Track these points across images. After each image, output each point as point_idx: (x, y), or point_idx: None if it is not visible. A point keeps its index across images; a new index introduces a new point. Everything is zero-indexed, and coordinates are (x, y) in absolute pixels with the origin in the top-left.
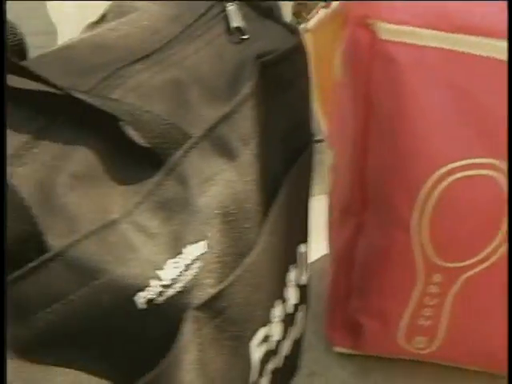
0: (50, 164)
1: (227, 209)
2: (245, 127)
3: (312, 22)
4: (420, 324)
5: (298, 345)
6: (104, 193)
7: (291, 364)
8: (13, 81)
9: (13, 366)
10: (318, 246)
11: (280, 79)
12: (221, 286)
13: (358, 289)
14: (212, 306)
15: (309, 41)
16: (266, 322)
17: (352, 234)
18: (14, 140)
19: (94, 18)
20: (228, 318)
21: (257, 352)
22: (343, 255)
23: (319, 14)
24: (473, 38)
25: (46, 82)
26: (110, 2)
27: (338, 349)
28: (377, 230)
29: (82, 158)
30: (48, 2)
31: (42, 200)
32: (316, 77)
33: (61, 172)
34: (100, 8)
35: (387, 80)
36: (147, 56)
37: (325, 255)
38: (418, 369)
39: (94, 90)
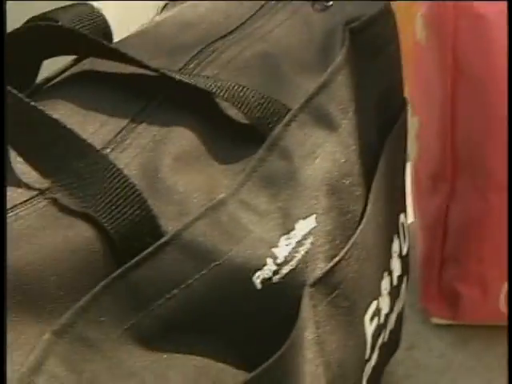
0: (151, 147)
1: (332, 181)
2: (342, 96)
3: None
4: None
5: (400, 318)
6: (208, 173)
7: (395, 338)
8: (103, 65)
9: (136, 355)
10: None
11: (369, 45)
12: (334, 261)
13: (453, 257)
14: (327, 282)
15: None
16: (377, 294)
17: (444, 200)
18: (111, 126)
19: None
20: (342, 292)
21: (370, 326)
22: (435, 223)
23: None
24: None
25: (139, 63)
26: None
27: (436, 320)
28: (471, 194)
29: (183, 139)
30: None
31: (147, 184)
32: None
33: (163, 155)
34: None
35: (475, 39)
36: (233, 31)
37: (411, 223)
38: None
39: (186, 69)
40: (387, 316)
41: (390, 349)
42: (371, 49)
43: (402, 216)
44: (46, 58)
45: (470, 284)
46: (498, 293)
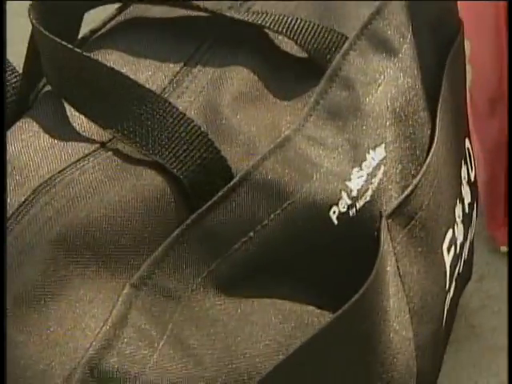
0: (209, 89)
1: (397, 108)
2: (398, 20)
3: None
4: None
5: (472, 247)
6: (270, 110)
7: (468, 269)
8: (148, 11)
9: (217, 303)
10: None
11: None
12: (408, 189)
13: None
14: (403, 212)
15: None
16: (452, 222)
17: (504, 122)
18: (165, 71)
19: None
20: (419, 222)
21: (448, 256)
22: (497, 146)
23: None
24: None
25: (187, 4)
26: None
27: (505, 248)
28: None
29: (240, 77)
30: None
31: (210, 126)
32: None
33: (222, 95)
34: None
35: None
36: None
37: None
38: None
39: (234, 8)
40: (462, 245)
41: (463, 280)
42: None
43: (467, 141)
44: (88, 9)
45: None
46: None
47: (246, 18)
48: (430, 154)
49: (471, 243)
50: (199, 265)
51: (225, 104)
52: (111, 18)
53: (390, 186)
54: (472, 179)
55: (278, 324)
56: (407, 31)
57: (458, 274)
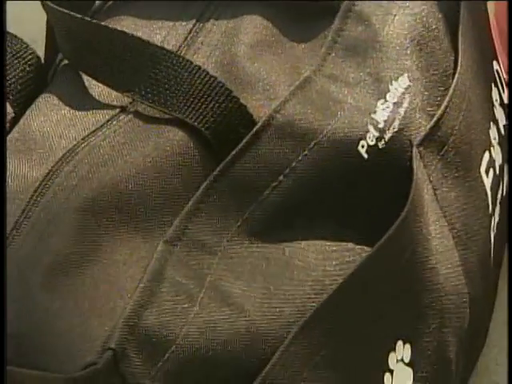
0: (224, 41)
1: (417, 36)
2: None
3: None
4: None
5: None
6: (287, 55)
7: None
8: None
9: (255, 250)
10: None
11: None
12: (437, 114)
13: None
14: (434, 138)
15: None
16: (488, 144)
17: None
18: (179, 30)
19: None
20: (452, 146)
21: (487, 178)
22: None
23: None
24: None
25: None
26: None
27: None
28: None
29: (254, 26)
30: None
31: (229, 77)
32: None
33: (237, 45)
34: None
35: None
36: None
37: None
38: None
39: None
40: (502, 167)
41: (505, 203)
42: None
43: (495, 63)
44: None
45: None
46: None
47: None
48: (455, 78)
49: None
50: (232, 215)
51: (241, 54)
52: None
53: (417, 115)
54: (505, 101)
55: (320, 264)
56: None
57: (502, 197)
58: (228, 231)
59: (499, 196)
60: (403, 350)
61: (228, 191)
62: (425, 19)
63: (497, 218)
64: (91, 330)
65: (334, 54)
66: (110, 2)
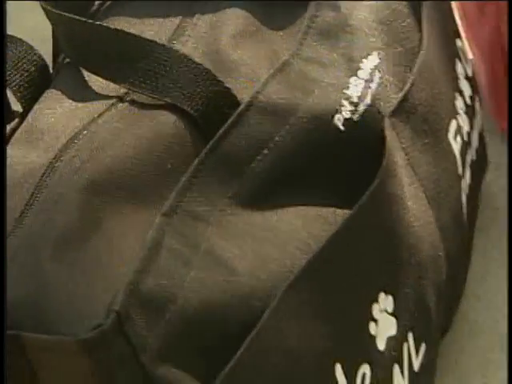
0: (209, 32)
1: (383, 18)
2: None
3: None
4: None
5: (482, 136)
6: (267, 42)
7: (482, 156)
8: None
9: (245, 217)
10: None
11: None
12: (406, 87)
13: None
14: (404, 109)
15: None
16: (454, 113)
17: (494, 20)
18: (168, 25)
19: None
20: (420, 115)
21: (456, 143)
22: (491, 46)
23: None
24: None
25: None
26: None
27: None
28: None
29: (235, 18)
30: None
31: (214, 64)
32: None
33: (221, 36)
34: None
35: None
36: None
37: None
38: None
39: None
40: (469, 134)
41: (480, 167)
42: None
43: (458, 40)
44: None
45: None
46: None
47: None
48: (420, 55)
49: (480, 133)
50: (223, 187)
51: (225, 43)
52: None
53: (387, 89)
54: (470, 74)
55: (305, 227)
56: None
57: (472, 160)
58: (219, 202)
59: (469, 160)
60: (386, 301)
61: (217, 166)
62: (390, 2)
63: (468, 180)
64: (96, 295)
65: (309, 39)
66: (107, 3)
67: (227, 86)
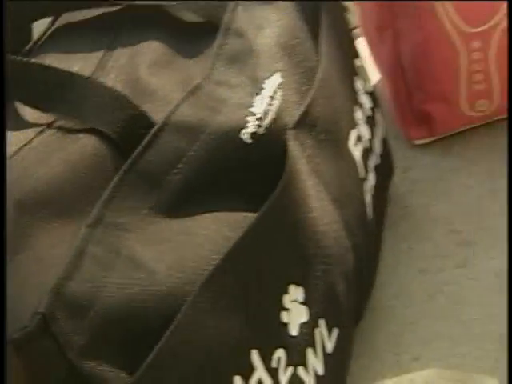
0: (129, 63)
1: (284, 42)
2: None
3: None
4: (476, 89)
5: (385, 143)
6: (181, 69)
7: (387, 161)
8: (76, 16)
9: (164, 225)
10: None
11: None
12: (306, 102)
13: (415, 84)
14: (305, 122)
15: None
16: (353, 124)
17: (392, 43)
18: (93, 59)
19: None
20: (321, 127)
21: (356, 150)
22: (393, 65)
23: None
24: None
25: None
26: None
27: (418, 142)
28: (411, 29)
29: (153, 49)
30: None
31: (133, 91)
32: None
33: (140, 66)
34: None
35: None
36: None
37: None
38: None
39: None
40: (371, 141)
41: (386, 170)
42: None
43: (356, 60)
44: (33, 21)
45: (435, 100)
46: (457, 99)
47: (151, 3)
48: (318, 73)
49: (383, 140)
50: (142, 199)
51: (143, 72)
52: (48, 28)
53: (290, 105)
54: (369, 90)
55: (218, 231)
56: None
57: (377, 164)
58: (139, 212)
59: (372, 164)
60: (296, 292)
61: (136, 181)
62: (290, 29)
63: (372, 182)
64: (25, 301)
65: (218, 64)
66: (41, 42)
67: (143, 109)
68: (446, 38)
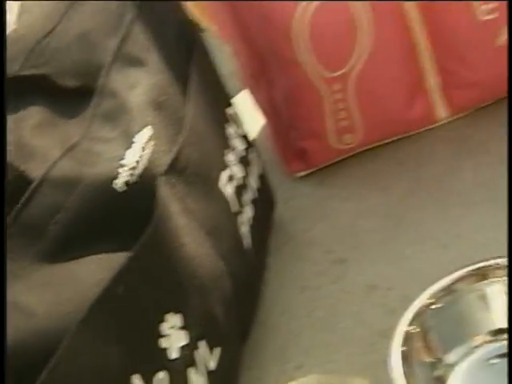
0: (15, 128)
1: (154, 99)
2: (142, 40)
3: None
4: (342, 125)
5: (263, 178)
6: (61, 130)
7: (266, 195)
8: None
9: (47, 269)
10: None
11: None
12: (175, 149)
13: (290, 124)
14: (176, 167)
15: None
16: (224, 166)
17: (266, 90)
18: None
19: None
20: (191, 171)
21: (227, 188)
22: (269, 107)
23: None
24: None
25: None
26: None
27: (299, 174)
28: (280, 78)
29: (34, 113)
30: None
31: (17, 152)
32: None
33: (23, 129)
34: None
35: None
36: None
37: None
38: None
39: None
40: (245, 178)
41: (266, 203)
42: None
43: (229, 109)
44: None
45: (308, 137)
46: (326, 135)
47: (29, 73)
48: (187, 123)
49: (260, 176)
50: (26, 249)
51: (25, 135)
52: None
53: (160, 154)
54: (243, 133)
55: (97, 271)
56: (152, 46)
57: (254, 198)
58: (23, 261)
59: (247, 198)
60: (174, 319)
61: (19, 234)
62: (159, 87)
63: (249, 214)
64: None
65: (95, 123)
66: None
67: (23, 169)
68: (311, 84)
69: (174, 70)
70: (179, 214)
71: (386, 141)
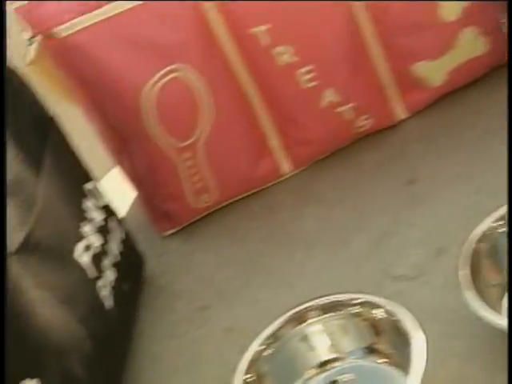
0: None
1: (8, 183)
2: None
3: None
4: (198, 187)
5: (127, 242)
6: None
7: (132, 257)
8: None
9: None
10: None
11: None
12: (26, 231)
13: (153, 190)
14: (27, 246)
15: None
16: (79, 238)
17: (128, 162)
18: None
19: None
20: (44, 247)
21: (84, 257)
22: (133, 177)
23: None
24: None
25: None
26: None
27: (167, 232)
28: (138, 151)
29: None
30: None
31: None
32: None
33: None
34: None
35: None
36: None
37: None
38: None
39: None
40: (104, 245)
41: (133, 264)
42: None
43: (88, 184)
44: None
45: (170, 201)
46: (185, 198)
47: None
48: (38, 204)
49: (124, 240)
50: None
51: None
52: None
53: (12, 234)
54: (103, 204)
55: None
56: (8, 140)
57: (117, 261)
58: None
59: (108, 263)
60: None
61: None
62: (13, 173)
63: (111, 278)
64: None
65: None
66: None
67: None
68: (163, 154)
69: (27, 155)
70: (33, 287)
71: (239, 197)
